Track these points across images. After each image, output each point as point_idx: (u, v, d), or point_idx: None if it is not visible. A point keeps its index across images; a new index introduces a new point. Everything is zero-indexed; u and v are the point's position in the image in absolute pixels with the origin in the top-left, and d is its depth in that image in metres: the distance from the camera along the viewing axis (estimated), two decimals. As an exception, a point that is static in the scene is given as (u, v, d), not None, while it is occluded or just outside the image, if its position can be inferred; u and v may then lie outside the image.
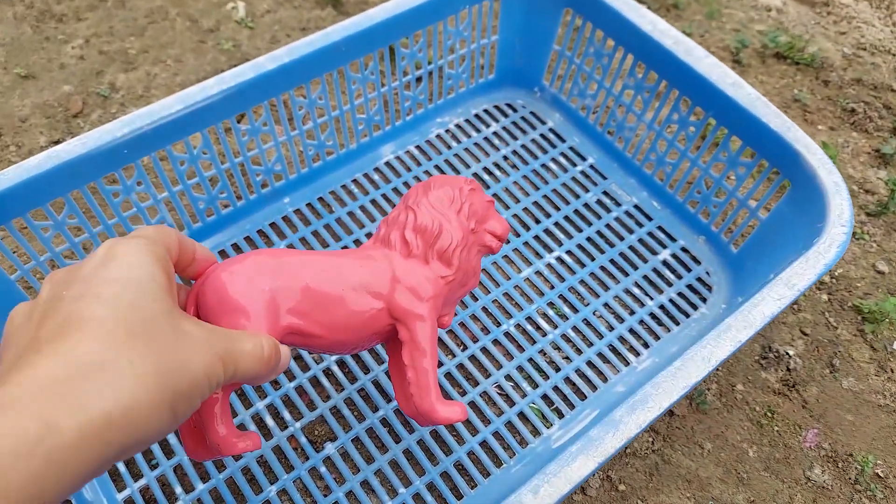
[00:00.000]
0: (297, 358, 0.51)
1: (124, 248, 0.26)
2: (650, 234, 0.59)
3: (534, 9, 0.62)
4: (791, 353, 0.54)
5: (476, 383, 0.50)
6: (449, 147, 0.64)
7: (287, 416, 0.48)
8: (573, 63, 0.63)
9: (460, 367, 0.51)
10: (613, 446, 0.35)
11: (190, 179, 0.54)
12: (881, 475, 0.49)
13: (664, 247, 0.58)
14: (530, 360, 0.52)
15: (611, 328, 0.54)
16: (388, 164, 0.62)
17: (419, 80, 0.64)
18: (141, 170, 0.49)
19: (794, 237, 0.49)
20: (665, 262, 0.57)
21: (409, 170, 0.62)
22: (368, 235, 0.58)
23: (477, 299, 0.54)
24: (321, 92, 0.55)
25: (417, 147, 0.64)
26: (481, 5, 0.59)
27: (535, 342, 0.53)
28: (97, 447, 0.21)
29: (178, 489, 0.45)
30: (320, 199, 0.60)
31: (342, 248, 0.57)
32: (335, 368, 0.50)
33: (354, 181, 0.61)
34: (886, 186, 0.64)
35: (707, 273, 0.57)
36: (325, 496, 0.45)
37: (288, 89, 0.52)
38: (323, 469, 0.46)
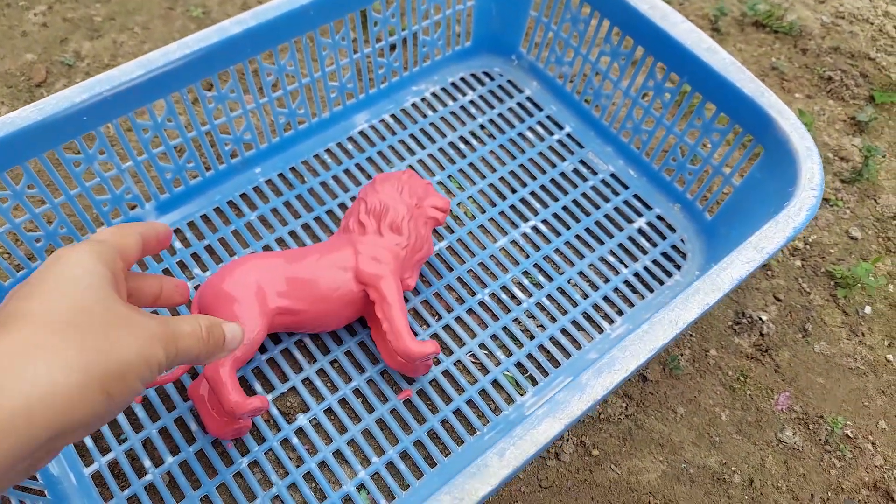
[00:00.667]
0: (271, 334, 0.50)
1: (68, 250, 0.27)
2: (626, 203, 0.59)
3: None
4: (764, 318, 0.54)
5: (450, 352, 0.50)
6: (424, 115, 0.63)
7: (258, 388, 0.48)
8: (550, 30, 0.62)
9: (435, 336, 0.51)
10: (580, 409, 0.35)
11: (155, 149, 0.53)
12: (850, 436, 0.50)
13: (640, 215, 0.58)
14: (505, 328, 0.52)
15: (585, 296, 0.54)
16: (362, 133, 0.61)
17: (393, 47, 0.63)
18: (103, 138, 0.47)
19: (766, 202, 0.48)
20: (640, 231, 0.57)
21: (383, 139, 0.61)
22: (342, 206, 0.57)
23: (452, 269, 0.54)
24: (290, 58, 0.53)
25: (392, 116, 0.62)
26: (454, -31, 0.58)
27: (509, 311, 0.52)
28: (22, 431, 0.22)
29: (147, 462, 0.44)
30: (292, 169, 0.59)
31: (315, 218, 0.56)
32: (308, 340, 0.50)
33: (328, 151, 0.60)
34: (861, 153, 0.64)
35: (682, 241, 0.57)
36: (298, 467, 0.45)
37: (255, 54, 0.51)
38: (295, 440, 0.46)
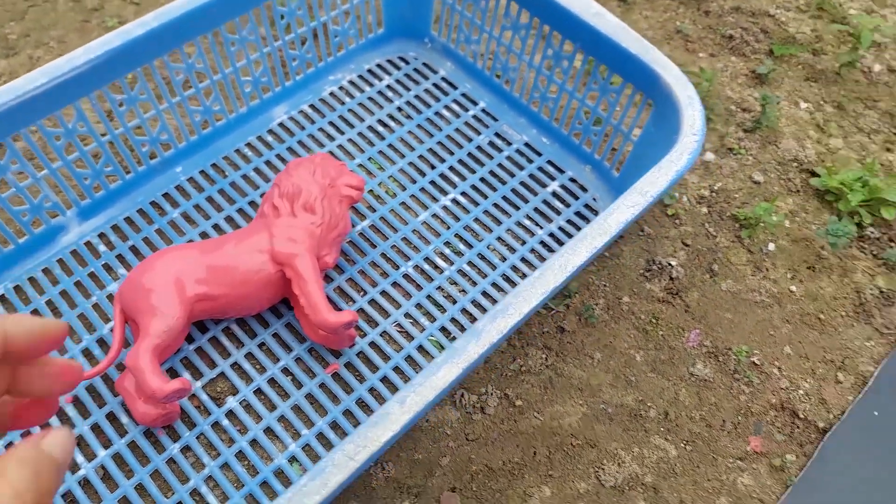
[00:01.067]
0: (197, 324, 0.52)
1: None
2: (540, 169, 0.61)
3: None
4: (673, 263, 0.57)
5: (376, 324, 0.52)
6: (343, 103, 0.65)
7: (187, 376, 0.49)
8: (456, 10, 0.64)
9: (361, 311, 0.53)
10: (476, 352, 0.38)
11: (70, 155, 0.54)
12: (757, 363, 0.53)
13: (553, 179, 0.61)
14: (428, 296, 0.54)
15: (504, 259, 0.56)
16: (281, 125, 0.63)
17: (304, 39, 0.65)
18: (13, 148, 0.49)
19: (659, 153, 0.51)
20: (554, 193, 0.60)
21: (302, 128, 0.63)
22: (264, 196, 0.58)
23: (376, 246, 0.56)
24: (199, 56, 0.55)
25: (311, 106, 0.64)
26: (352, -42, 0.60)
27: (432, 280, 0.55)
28: None
29: (80, 458, 0.46)
30: (214, 165, 0.60)
31: (237, 210, 0.58)
32: (234, 327, 0.52)
33: (248, 145, 0.61)
34: (761, 104, 0.67)
35: (594, 199, 0.60)
36: (229, 447, 0.47)
37: (161, 55, 0.52)
38: (226, 422, 0.48)
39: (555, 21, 0.56)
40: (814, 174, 0.64)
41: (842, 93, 0.70)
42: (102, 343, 0.51)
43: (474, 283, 0.55)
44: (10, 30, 0.69)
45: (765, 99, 0.65)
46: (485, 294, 0.54)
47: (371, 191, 0.59)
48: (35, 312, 0.52)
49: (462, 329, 0.52)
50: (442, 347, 0.51)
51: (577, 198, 0.60)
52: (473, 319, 0.53)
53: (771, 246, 0.59)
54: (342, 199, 0.52)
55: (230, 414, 0.48)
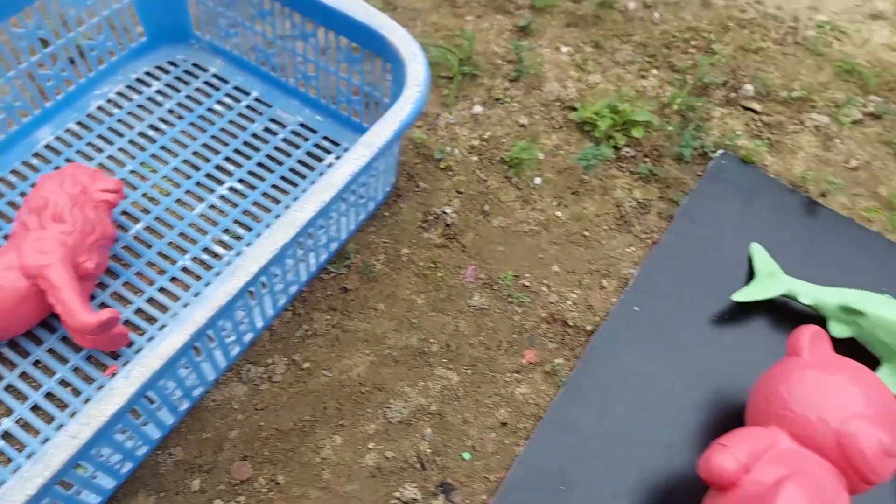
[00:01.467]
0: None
1: None
2: (316, 146, 0.64)
3: None
4: (448, 211, 0.61)
5: (155, 321, 0.53)
6: (111, 115, 0.64)
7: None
8: (208, 7, 0.65)
9: (139, 311, 0.53)
10: (204, 317, 0.39)
11: None
12: (527, 285, 0.57)
13: (329, 153, 0.63)
14: (207, 284, 0.55)
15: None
16: (48, 146, 0.62)
17: (54, 56, 0.64)
18: None
19: (398, 108, 0.54)
20: (331, 166, 0.62)
21: (70, 146, 0.62)
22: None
23: (151, 246, 0.56)
24: (-77, 87, 0.53)
25: (78, 123, 0.64)
26: (83, -30, 0.60)
27: (211, 268, 0.56)
28: None
29: None
30: (-22, 197, 0.58)
31: (3, 236, 0.56)
32: (5, 349, 0.51)
33: (13, 172, 0.60)
34: (515, 53, 0.72)
35: (369, 165, 0.62)
36: (6, 466, 0.46)
37: None
38: (1, 443, 0.47)
39: (291, 2, 0.58)
40: (573, 109, 0.69)
41: (600, 33, 0.77)
42: None
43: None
44: None
45: (517, 48, 0.70)
46: (266, 271, 0.56)
47: (144, 194, 0.59)
48: None
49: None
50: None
51: (353, 166, 0.62)
52: (257, 297, 0.54)
53: (537, 180, 0.64)
54: (98, 204, 0.52)
55: (6, 435, 0.47)
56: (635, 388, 0.53)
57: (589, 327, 0.55)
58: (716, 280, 0.58)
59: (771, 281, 0.56)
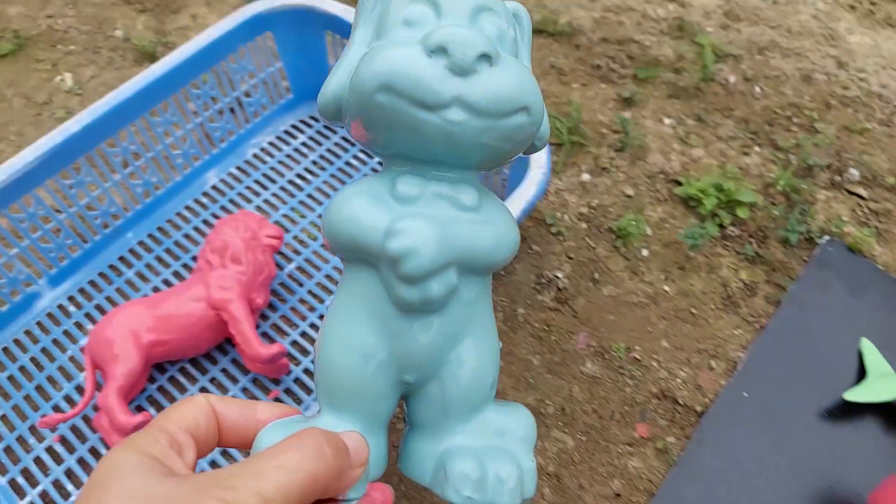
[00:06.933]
0: (157, 366, 0.60)
1: (108, 453, 0.24)
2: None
3: (300, 36, 0.71)
4: (560, 275, 0.67)
5: (308, 353, 0.61)
6: (265, 162, 0.74)
7: (151, 410, 0.58)
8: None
9: (294, 343, 0.62)
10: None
11: (35, 233, 0.62)
12: (638, 358, 0.63)
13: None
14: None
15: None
16: (214, 187, 0.72)
17: (221, 111, 0.74)
18: (-19, 235, 0.57)
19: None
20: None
21: (232, 188, 0.72)
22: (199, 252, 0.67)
23: (302, 284, 0.65)
24: (131, 139, 0.64)
25: (238, 168, 0.73)
26: (256, 41, 0.69)
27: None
28: None
29: (71, 487, 0.54)
30: (159, 228, 0.69)
31: (182, 265, 0.66)
32: (188, 366, 0.60)
33: (186, 207, 0.70)
34: (621, 126, 0.78)
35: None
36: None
37: (97, 144, 0.61)
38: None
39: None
40: (678, 183, 0.74)
41: (702, 106, 0.81)
42: (80, 389, 0.59)
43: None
44: (-34, 124, 0.77)
45: (623, 122, 0.76)
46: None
47: (295, 237, 0.68)
48: (22, 370, 0.60)
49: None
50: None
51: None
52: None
53: (645, 252, 0.69)
54: (265, 248, 0.61)
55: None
56: (746, 473, 0.56)
57: (698, 408, 0.60)
58: (825, 372, 0.60)
59: (884, 383, 0.58)
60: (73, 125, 0.59)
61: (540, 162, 0.57)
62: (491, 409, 0.28)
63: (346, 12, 0.66)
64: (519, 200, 0.55)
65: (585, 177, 0.74)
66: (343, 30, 0.68)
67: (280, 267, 0.66)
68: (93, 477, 0.22)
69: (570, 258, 0.69)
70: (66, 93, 0.80)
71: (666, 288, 0.67)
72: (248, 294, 0.58)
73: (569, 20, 0.88)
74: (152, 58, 0.83)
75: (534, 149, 0.29)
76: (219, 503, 0.20)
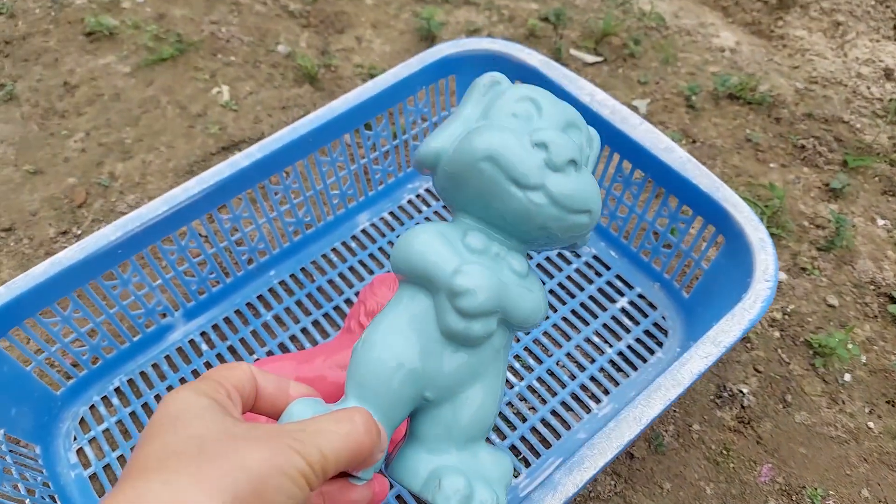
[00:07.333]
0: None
1: (171, 393, 0.27)
2: (609, 283, 0.63)
3: None
4: (745, 390, 0.57)
5: (448, 439, 0.55)
6: (420, 211, 0.69)
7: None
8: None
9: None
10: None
11: (181, 266, 0.60)
12: (832, 506, 0.52)
13: (622, 294, 0.62)
14: (499, 412, 0.56)
15: (573, 377, 0.58)
16: (364, 231, 0.67)
17: (386, 153, 0.70)
18: (135, 264, 0.55)
19: (730, 287, 0.52)
20: (623, 310, 0.61)
21: (383, 235, 0.67)
22: (347, 301, 0.63)
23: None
24: (294, 177, 0.60)
25: (391, 213, 0.69)
26: (437, 84, 0.65)
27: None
28: None
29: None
30: (303, 269, 0.65)
31: (323, 314, 0.62)
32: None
33: (333, 250, 0.66)
34: (835, 225, 0.67)
35: (663, 318, 0.61)
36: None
37: (263, 180, 0.58)
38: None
39: (626, 152, 0.58)
40: (892, 299, 0.63)
41: (922, 207, 0.69)
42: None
43: (544, 402, 0.56)
44: (126, 134, 0.77)
45: (839, 221, 0.65)
46: (554, 413, 0.56)
47: (446, 302, 0.62)
48: (145, 407, 0.57)
49: (531, 448, 0.54)
50: (515, 470, 0.53)
51: (646, 315, 0.61)
52: (542, 439, 0.55)
53: (847, 377, 0.58)
54: None
55: None
56: None
57: (901, 576, 0.49)
58: None
59: None
60: (242, 160, 0.56)
61: (766, 272, 0.48)
62: (482, 446, 0.34)
63: (542, 64, 0.60)
64: (740, 318, 0.46)
65: (782, 276, 0.64)
66: (529, 81, 0.62)
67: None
68: (165, 412, 0.25)
69: (757, 371, 0.59)
70: (222, 107, 0.79)
71: (870, 424, 0.56)
72: None
73: (768, 88, 0.78)
74: (312, 80, 0.81)
75: (573, 247, 0.37)
76: (290, 449, 0.24)
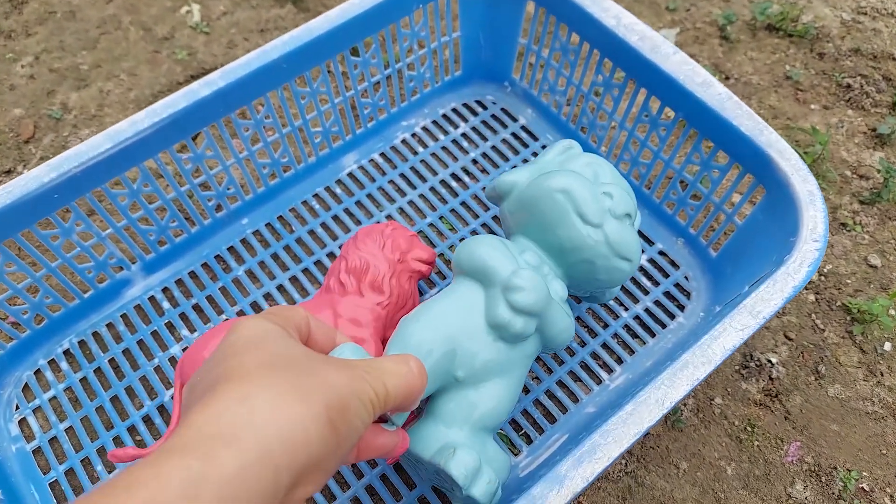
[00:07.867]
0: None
1: (242, 319, 0.28)
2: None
3: (494, 2, 0.58)
4: (774, 360, 0.51)
5: (441, 411, 0.49)
6: (415, 152, 0.61)
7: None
8: (541, 57, 0.59)
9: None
10: (565, 497, 0.34)
11: (135, 213, 0.52)
12: (866, 489, 0.47)
13: (641, 251, 0.55)
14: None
15: (583, 343, 0.51)
16: (350, 174, 0.60)
17: (377, 85, 0.61)
18: (78, 210, 0.47)
19: (769, 247, 0.45)
20: (641, 268, 0.55)
21: (373, 180, 0.59)
22: (330, 255, 0.56)
23: (442, 320, 0.52)
24: (268, 111, 0.52)
25: (382, 154, 0.61)
26: (437, 3, 0.55)
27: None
28: (263, 474, 0.22)
29: None
30: (280, 217, 0.57)
31: (303, 269, 0.55)
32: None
33: (315, 196, 0.59)
34: (882, 173, 0.59)
35: (686, 278, 0.54)
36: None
37: (228, 113, 0.50)
38: None
39: (655, 86, 0.50)
40: (942, 259, 0.56)
41: (978, 157, 0.62)
42: (163, 410, 0.49)
43: (550, 371, 0.50)
44: (82, 59, 0.68)
45: (888, 171, 0.57)
46: (561, 384, 0.50)
47: (441, 254, 0.55)
48: (97, 372, 0.51)
49: (534, 423, 0.48)
50: (512, 444, 0.48)
51: (667, 275, 0.54)
52: (547, 413, 0.49)
53: (888, 346, 0.52)
54: (412, 275, 0.48)
55: None
56: None
57: (940, 568, 0.44)
58: None
59: None
60: (201, 88, 0.48)
61: (816, 231, 0.41)
62: (491, 439, 0.39)
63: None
64: (783, 285, 0.39)
65: (819, 233, 0.57)
66: (552, 5, 0.53)
67: (421, 292, 0.54)
68: (239, 336, 0.27)
69: (788, 339, 0.52)
70: (192, 29, 0.69)
71: (911, 399, 0.50)
72: (385, 333, 0.46)
73: (812, 19, 0.69)
74: (295, 0, 0.71)
75: (598, 297, 0.47)
76: (363, 378, 0.27)
